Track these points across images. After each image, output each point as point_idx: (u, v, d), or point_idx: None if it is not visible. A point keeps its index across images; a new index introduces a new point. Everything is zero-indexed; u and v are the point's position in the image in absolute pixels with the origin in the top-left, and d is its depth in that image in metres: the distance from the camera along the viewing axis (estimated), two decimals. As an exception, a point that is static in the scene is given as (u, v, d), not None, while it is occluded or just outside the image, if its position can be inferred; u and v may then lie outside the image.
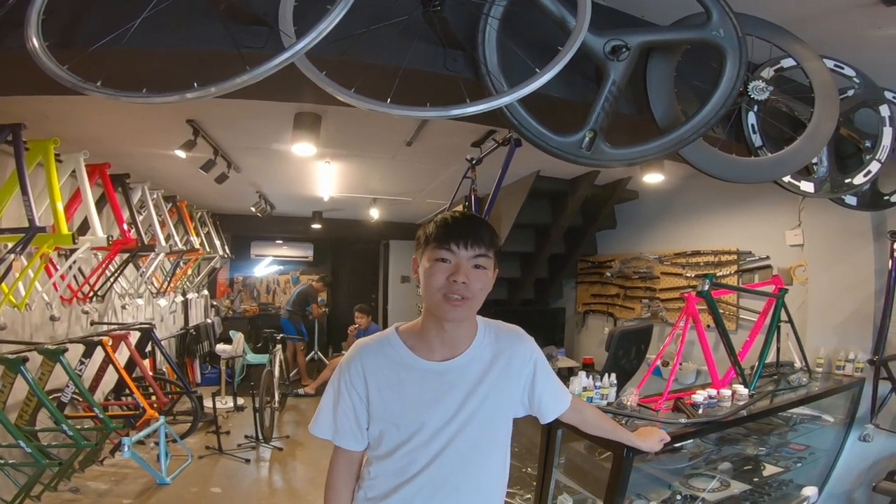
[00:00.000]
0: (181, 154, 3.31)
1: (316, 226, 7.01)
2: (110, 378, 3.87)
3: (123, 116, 2.90)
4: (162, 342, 4.63)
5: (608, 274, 5.18)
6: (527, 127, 1.56)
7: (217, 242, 6.21)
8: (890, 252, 2.55)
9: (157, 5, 1.24)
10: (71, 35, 1.33)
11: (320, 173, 4.46)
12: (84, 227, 3.45)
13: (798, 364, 2.88)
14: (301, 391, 6.31)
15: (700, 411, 2.11)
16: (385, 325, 8.55)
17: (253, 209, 5.65)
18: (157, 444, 3.62)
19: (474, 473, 1.23)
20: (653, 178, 3.81)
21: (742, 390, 2.29)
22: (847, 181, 2.14)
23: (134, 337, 4.11)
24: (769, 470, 2.52)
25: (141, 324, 4.35)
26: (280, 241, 9.21)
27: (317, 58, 1.32)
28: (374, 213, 6.30)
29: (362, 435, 1.24)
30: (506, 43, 1.52)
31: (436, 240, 1.18)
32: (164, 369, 4.96)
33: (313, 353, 7.69)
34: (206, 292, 7.12)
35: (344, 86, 1.33)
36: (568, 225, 5.12)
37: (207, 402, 4.48)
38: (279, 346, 5.34)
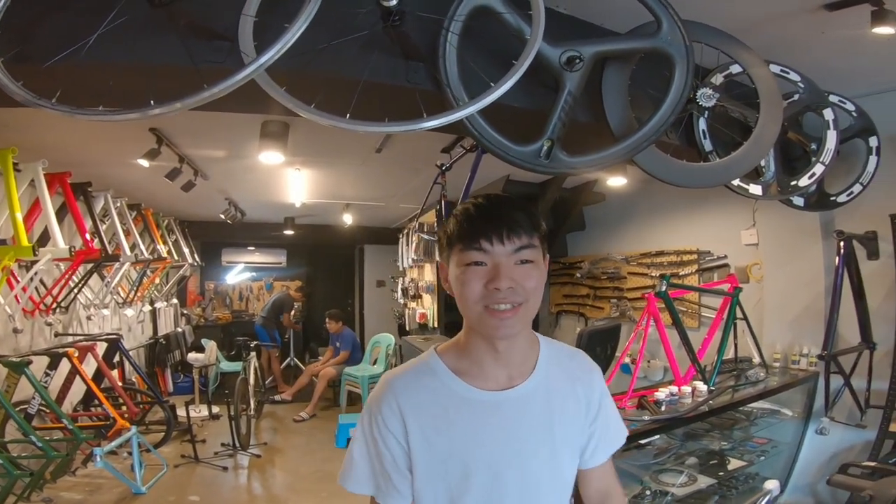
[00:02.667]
0: (144, 163, 3.26)
1: (288, 232, 6.94)
2: (78, 389, 3.79)
3: (84, 125, 2.83)
4: (130, 352, 4.55)
5: (578, 275, 5.25)
6: (487, 137, 1.60)
7: (186, 250, 6.09)
8: (837, 250, 2.66)
9: (115, 20, 1.24)
10: (26, 50, 1.32)
11: (291, 180, 4.44)
12: (45, 238, 3.37)
13: (756, 360, 2.97)
14: (278, 398, 6.25)
15: (663, 408, 2.19)
16: (362, 331, 8.52)
17: (222, 216, 5.57)
18: (130, 454, 3.56)
19: None
20: (616, 182, 3.91)
21: (702, 387, 2.38)
22: (793, 183, 2.24)
23: (101, 348, 4.03)
24: (734, 464, 2.59)
25: (108, 334, 4.26)
26: (252, 248, 9.11)
27: (279, 71, 1.33)
28: (348, 219, 6.28)
29: (409, 488, 0.99)
30: (466, 55, 1.55)
31: (461, 239, 0.94)
32: (134, 379, 4.86)
33: (289, 359, 7.63)
34: (175, 301, 6.99)
35: (305, 100, 1.35)
36: (538, 227, 5.19)
37: (181, 411, 4.40)
38: (253, 354, 5.28)
